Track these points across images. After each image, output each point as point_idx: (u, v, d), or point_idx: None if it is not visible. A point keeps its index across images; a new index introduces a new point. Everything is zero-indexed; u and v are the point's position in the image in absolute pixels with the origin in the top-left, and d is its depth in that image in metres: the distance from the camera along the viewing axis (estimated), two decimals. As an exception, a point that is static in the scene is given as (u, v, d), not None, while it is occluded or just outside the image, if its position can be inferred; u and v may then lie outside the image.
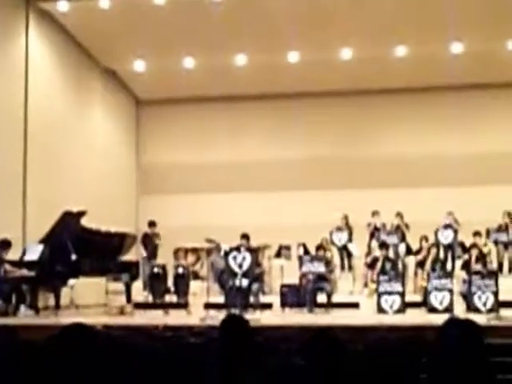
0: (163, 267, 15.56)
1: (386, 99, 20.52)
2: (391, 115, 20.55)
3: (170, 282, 15.45)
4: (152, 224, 17.63)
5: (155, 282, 15.51)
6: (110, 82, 20.25)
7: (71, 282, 14.66)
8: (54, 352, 3.82)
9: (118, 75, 20.46)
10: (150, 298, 15.63)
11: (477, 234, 16.38)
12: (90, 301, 15.87)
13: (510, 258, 16.74)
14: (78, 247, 14.02)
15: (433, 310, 14.07)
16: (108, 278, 15.25)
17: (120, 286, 15.36)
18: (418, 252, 16.78)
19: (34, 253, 14.01)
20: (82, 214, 14.65)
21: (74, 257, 13.93)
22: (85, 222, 14.63)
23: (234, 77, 19.49)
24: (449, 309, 13.97)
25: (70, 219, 14.43)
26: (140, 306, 15.37)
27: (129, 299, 15.18)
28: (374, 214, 17.79)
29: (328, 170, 20.46)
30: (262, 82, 19.91)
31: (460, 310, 13.91)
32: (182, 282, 15.38)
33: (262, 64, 18.81)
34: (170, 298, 15.31)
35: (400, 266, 16.83)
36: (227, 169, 20.96)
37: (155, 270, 15.52)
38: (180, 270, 15.49)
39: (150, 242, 17.34)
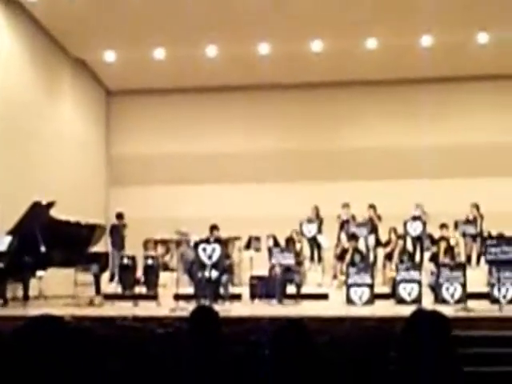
0: (133, 258, 15.52)
1: (356, 92, 20.57)
2: (362, 108, 20.61)
3: (140, 274, 15.43)
4: (119, 216, 17.58)
5: (125, 274, 15.47)
6: (80, 72, 20.12)
7: (40, 273, 14.59)
8: (21, 343, 3.81)
9: (88, 65, 20.34)
10: (120, 289, 15.59)
11: (444, 226, 16.49)
12: (58, 292, 15.78)
13: (478, 250, 16.85)
14: (46, 238, 13.95)
15: (401, 301, 14.18)
16: (77, 269, 15.15)
17: (89, 278, 15.29)
18: (386, 244, 16.86)
19: (2, 244, 13.92)
20: (51, 204, 14.56)
21: (42, 248, 13.87)
22: (54, 212, 14.55)
23: (205, 68, 19.43)
24: (417, 300, 14.08)
25: (39, 210, 14.34)
26: (109, 297, 15.32)
27: (98, 290, 15.11)
28: (344, 206, 17.86)
29: (298, 162, 20.49)
30: (233, 73, 19.87)
31: (428, 302, 14.02)
32: (152, 274, 15.36)
33: (232, 55, 18.78)
34: (140, 289, 15.29)
35: (370, 257, 16.93)
36: (197, 160, 20.91)
37: (125, 261, 15.47)
38: (150, 262, 15.47)
39: (117, 234, 17.28)
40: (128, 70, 19.95)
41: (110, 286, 16.16)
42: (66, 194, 17.29)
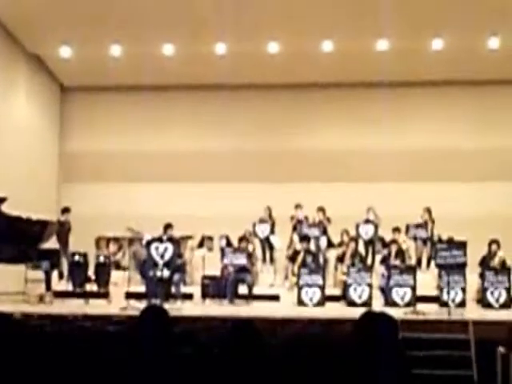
0: (84, 256, 15.39)
1: (312, 94, 20.63)
2: (317, 110, 20.67)
3: (91, 271, 15.33)
4: (66, 210, 17.40)
5: (76, 271, 15.34)
6: (35, 68, 19.89)
7: (-11, 269, 14.44)
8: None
9: (43, 60, 20.14)
10: (71, 287, 15.46)
11: (396, 229, 16.66)
12: (8, 289, 15.58)
13: (428, 254, 17.02)
14: (-3, 234, 13.81)
15: (352, 303, 14.31)
16: (27, 266, 15.02)
17: (40, 274, 15.15)
18: (338, 246, 16.96)
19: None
20: (2, 200, 14.40)
21: (-8, 244, 13.72)
22: (5, 208, 14.39)
23: (162, 66, 19.34)
24: (367, 303, 14.20)
25: (-11, 205, 14.19)
26: (60, 294, 15.20)
27: (48, 287, 14.97)
28: (297, 206, 17.89)
29: (252, 163, 20.51)
30: (190, 72, 19.82)
31: (378, 304, 14.15)
32: (103, 271, 15.28)
33: (189, 55, 18.72)
34: (91, 287, 15.19)
35: (321, 259, 17.00)
36: (152, 159, 20.84)
37: (76, 258, 15.35)
38: (101, 259, 15.39)
39: (63, 230, 17.11)
40: (84, 66, 19.78)
41: (61, 284, 16.01)
42: (18, 189, 17.10)
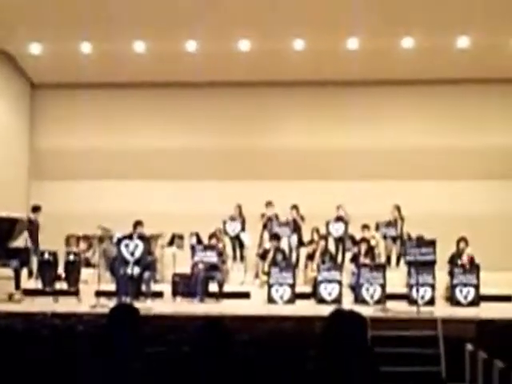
0: (54, 254, 15.30)
1: (284, 92, 20.61)
2: (289, 108, 20.67)
3: (61, 269, 15.26)
4: (36, 208, 17.30)
5: (45, 269, 15.25)
6: (5, 64, 19.70)
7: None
8: None
9: (12, 57, 19.97)
10: (40, 285, 15.38)
11: (365, 226, 16.72)
12: (-23, 287, 15.53)
13: (398, 252, 17.13)
14: (-34, 232, 13.72)
15: (322, 301, 14.35)
16: (-4, 264, 14.94)
17: (9, 272, 15.05)
18: (308, 244, 16.99)
19: None
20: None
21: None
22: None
23: (132, 64, 19.26)
24: (337, 300, 14.25)
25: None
26: (29, 292, 15.11)
27: (18, 286, 14.89)
28: (268, 204, 17.91)
29: (223, 161, 20.49)
30: (162, 70, 19.74)
31: (348, 302, 14.22)
32: (73, 269, 15.21)
33: (160, 52, 18.65)
34: (61, 285, 15.12)
35: (292, 257, 17.05)
36: (122, 156, 20.75)
37: (45, 256, 15.26)
38: (71, 257, 15.31)
39: (33, 228, 17.01)
40: (54, 63, 19.64)
41: (31, 282, 15.91)
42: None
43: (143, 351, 4.62)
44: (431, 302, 14.20)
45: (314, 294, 14.76)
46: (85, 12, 16.89)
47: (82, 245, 16.75)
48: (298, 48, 18.41)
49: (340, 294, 14.43)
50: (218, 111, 20.67)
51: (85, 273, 15.63)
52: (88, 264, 16.65)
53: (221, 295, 14.89)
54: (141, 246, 13.84)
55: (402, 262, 16.16)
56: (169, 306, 14.19)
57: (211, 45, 18.29)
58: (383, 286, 14.26)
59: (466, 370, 10.59)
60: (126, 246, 13.83)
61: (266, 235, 17.24)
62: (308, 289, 15.38)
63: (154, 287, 15.00)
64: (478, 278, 14.56)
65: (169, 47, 18.53)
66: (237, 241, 17.94)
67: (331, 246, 17.18)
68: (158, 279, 16.31)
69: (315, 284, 14.79)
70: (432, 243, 13.46)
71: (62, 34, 18.04)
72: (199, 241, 16.53)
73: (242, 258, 17.87)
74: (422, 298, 13.89)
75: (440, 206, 19.43)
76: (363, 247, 15.95)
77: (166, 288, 15.28)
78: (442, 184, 19.87)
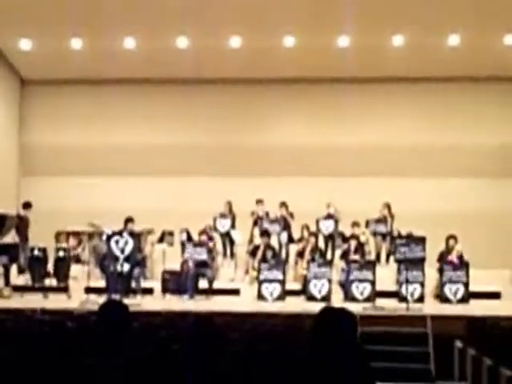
0: (44, 250, 15.28)
1: (276, 89, 20.61)
2: (280, 105, 20.66)
3: (51, 266, 15.23)
4: (27, 205, 17.26)
5: (35, 265, 15.22)
6: (-6, 59, 19.72)
7: None
8: None
9: (2, 53, 19.90)
10: (30, 281, 15.35)
11: (355, 223, 16.72)
12: (-34, 283, 15.49)
13: (388, 249, 17.15)
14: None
15: (311, 298, 14.37)
16: (-15, 261, 14.90)
17: (-2, 269, 15.05)
18: (298, 241, 17.00)
19: None
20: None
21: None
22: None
23: (123, 60, 19.22)
24: (327, 297, 14.28)
25: None
26: (19, 289, 15.09)
27: (7, 282, 14.88)
28: (258, 202, 17.90)
29: (214, 157, 20.46)
30: (153, 66, 19.71)
31: (338, 299, 14.24)
32: (63, 266, 15.18)
33: (151, 48, 18.63)
34: (50, 281, 15.10)
35: (282, 254, 17.06)
36: (113, 152, 20.70)
37: (35, 252, 15.23)
38: (61, 254, 15.28)
39: (23, 224, 16.97)
40: (44, 59, 19.59)
41: (20, 278, 15.88)
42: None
43: (133, 348, 4.61)
44: (421, 299, 14.23)
45: (304, 291, 14.77)
46: (75, 8, 16.87)
47: (72, 241, 16.70)
48: (289, 45, 18.41)
49: (330, 292, 14.45)
50: (209, 108, 20.65)
51: (74, 269, 15.59)
52: (78, 260, 16.61)
53: (211, 292, 14.90)
54: (131, 242, 13.83)
55: (391, 259, 16.17)
56: (159, 302, 14.20)
57: (202, 42, 18.28)
58: (373, 283, 14.30)
59: (455, 366, 10.63)
60: (116, 242, 13.82)
61: (257, 232, 17.23)
62: (298, 286, 15.39)
63: (144, 284, 15.00)
64: (467, 275, 14.60)
65: (159, 44, 18.50)
66: (227, 238, 17.92)
67: (321, 243, 17.19)
68: (148, 276, 16.31)
69: (305, 281, 14.81)
70: (422, 240, 13.51)
71: (51, 30, 18.00)
72: (189, 238, 16.53)
73: (232, 254, 17.86)
74: (412, 295, 13.93)
75: (430, 204, 19.46)
76: (353, 244, 15.98)
77: (156, 285, 15.28)
78: (432, 181, 19.89)
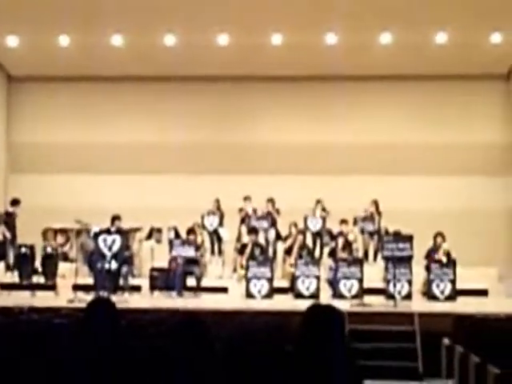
0: (31, 248, 15.23)
1: (263, 86, 20.60)
2: (268, 102, 20.64)
3: (38, 263, 15.18)
4: (15, 202, 17.20)
5: (22, 263, 15.18)
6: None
7: None
8: None
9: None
10: (17, 279, 15.30)
11: (343, 221, 16.74)
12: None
13: (375, 247, 17.18)
14: None
15: (299, 295, 14.39)
16: (-27, 258, 14.87)
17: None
18: (286, 238, 17.01)
19: None
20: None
21: None
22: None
23: (110, 57, 19.20)
24: (315, 295, 14.29)
25: None
26: (6, 286, 15.04)
27: (-6, 280, 14.86)
28: (246, 199, 17.91)
29: (201, 155, 20.45)
30: (141, 63, 19.67)
31: (326, 296, 14.25)
32: (51, 263, 15.15)
33: (137, 45, 18.61)
34: (38, 279, 15.06)
35: (270, 251, 17.06)
36: (100, 150, 20.66)
37: (22, 250, 15.18)
38: (49, 251, 15.25)
39: (12, 221, 16.91)
40: (31, 55, 19.53)
41: (8, 276, 15.83)
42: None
43: (121, 345, 4.61)
44: (408, 296, 14.26)
45: (292, 289, 14.78)
46: (63, 5, 16.83)
47: (60, 238, 16.66)
48: (277, 43, 18.42)
49: (318, 289, 14.47)
50: (196, 106, 20.63)
51: (62, 267, 15.55)
52: (65, 258, 16.57)
53: (199, 289, 14.90)
54: (118, 240, 13.81)
55: (379, 256, 16.22)
56: (147, 300, 14.20)
57: (190, 39, 18.27)
58: (361, 281, 14.32)
59: (442, 364, 10.66)
60: (104, 240, 13.80)
61: (244, 230, 17.23)
62: (286, 283, 15.41)
63: (132, 281, 14.98)
64: (454, 272, 14.63)
65: (147, 41, 18.47)
66: (215, 235, 17.92)
67: (309, 241, 17.20)
68: (136, 273, 16.28)
69: (293, 278, 14.82)
70: (409, 238, 13.56)
71: (39, 27, 17.95)
72: (177, 235, 16.50)
73: (220, 252, 17.86)
74: (399, 292, 13.95)
75: (417, 202, 19.51)
76: (341, 242, 16.00)
77: (144, 282, 15.26)
78: (420, 179, 19.94)
